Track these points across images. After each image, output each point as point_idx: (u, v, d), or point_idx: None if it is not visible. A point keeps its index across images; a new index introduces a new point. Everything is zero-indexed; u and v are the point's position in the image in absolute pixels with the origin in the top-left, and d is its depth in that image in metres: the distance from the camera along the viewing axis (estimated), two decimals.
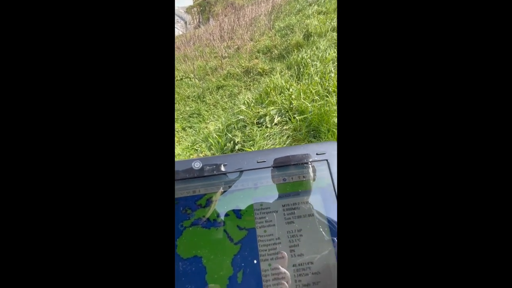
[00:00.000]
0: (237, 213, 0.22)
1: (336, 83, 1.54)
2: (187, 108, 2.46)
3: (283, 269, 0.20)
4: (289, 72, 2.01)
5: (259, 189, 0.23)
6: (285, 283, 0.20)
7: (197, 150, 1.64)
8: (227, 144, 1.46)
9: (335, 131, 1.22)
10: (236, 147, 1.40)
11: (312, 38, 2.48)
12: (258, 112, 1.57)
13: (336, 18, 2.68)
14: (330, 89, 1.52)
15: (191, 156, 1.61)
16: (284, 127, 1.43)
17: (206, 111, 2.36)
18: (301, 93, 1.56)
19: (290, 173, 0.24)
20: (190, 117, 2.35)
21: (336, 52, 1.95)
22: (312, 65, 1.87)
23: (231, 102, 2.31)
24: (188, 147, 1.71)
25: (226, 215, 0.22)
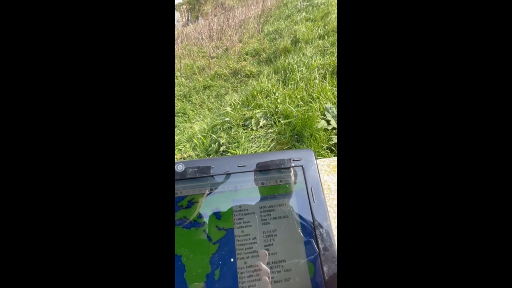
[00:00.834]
0: (217, 214, 0.24)
1: (320, 89, 1.60)
2: None
3: (264, 266, 0.22)
4: (276, 77, 2.05)
5: (238, 192, 0.24)
6: (266, 278, 0.21)
7: (181, 150, 1.63)
8: (212, 145, 1.46)
9: (317, 136, 1.27)
10: (221, 149, 1.41)
11: (299, 44, 2.54)
12: (244, 115, 1.58)
13: (322, 26, 2.77)
14: (314, 95, 1.57)
15: (175, 156, 1.59)
16: (269, 130, 1.46)
17: (191, 110, 2.34)
18: (287, 98, 1.59)
19: (269, 177, 0.25)
20: (175, 116, 2.31)
21: (322, 59, 2.02)
22: (298, 71, 1.92)
23: (217, 102, 2.31)
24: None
25: (206, 216, 0.23)
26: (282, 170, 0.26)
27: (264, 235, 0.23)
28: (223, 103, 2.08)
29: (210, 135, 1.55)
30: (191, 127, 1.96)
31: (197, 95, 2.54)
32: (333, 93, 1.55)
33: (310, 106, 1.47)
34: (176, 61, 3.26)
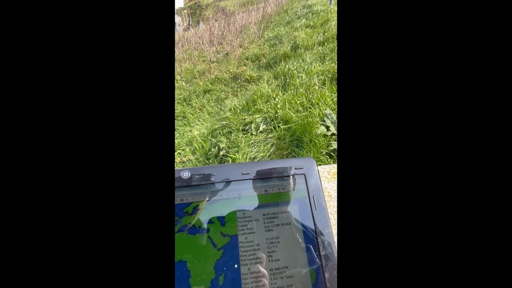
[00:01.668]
0: (221, 221, 0.24)
1: (319, 95, 1.61)
2: None
3: (262, 269, 0.22)
4: (276, 82, 2.07)
5: (242, 199, 0.25)
6: (265, 280, 0.22)
7: (180, 154, 1.63)
8: (212, 149, 1.47)
9: (317, 141, 1.28)
10: (221, 153, 1.41)
11: (299, 50, 2.57)
12: (244, 119, 1.60)
13: (322, 32, 2.81)
14: (314, 101, 1.59)
15: (175, 160, 1.59)
16: (269, 135, 1.47)
17: (191, 114, 2.35)
18: (286, 103, 1.61)
19: (271, 184, 0.26)
20: (175, 119, 2.32)
21: (321, 65, 2.04)
22: (298, 77, 1.94)
23: (217, 106, 2.32)
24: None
25: (211, 222, 0.24)
26: (285, 178, 0.26)
27: (267, 242, 0.24)
28: (223, 107, 2.09)
29: (210, 139, 1.55)
30: (190, 131, 1.96)
31: (197, 99, 2.55)
32: (332, 99, 1.57)
33: (309, 112, 1.48)
34: (176, 65, 3.28)
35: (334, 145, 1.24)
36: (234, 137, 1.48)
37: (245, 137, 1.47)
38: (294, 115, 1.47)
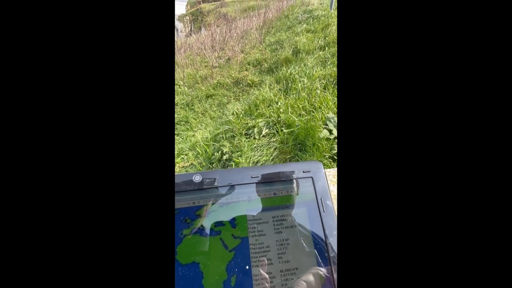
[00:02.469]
0: (232, 223, 0.25)
1: (321, 99, 1.63)
2: (175, 115, 2.45)
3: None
4: (278, 86, 2.09)
5: (252, 202, 0.26)
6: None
7: (183, 158, 1.64)
8: (215, 154, 1.48)
9: (320, 145, 1.28)
10: (224, 157, 1.42)
11: (300, 55, 2.60)
12: (247, 123, 1.61)
13: (323, 37, 2.84)
14: (316, 105, 1.60)
15: (177, 165, 1.60)
16: (272, 139, 1.48)
17: (194, 119, 2.37)
18: (289, 107, 1.62)
19: (280, 188, 0.27)
20: (177, 124, 2.34)
21: (323, 69, 2.06)
22: (300, 81, 1.95)
23: (219, 111, 2.34)
24: (175, 155, 1.70)
25: (222, 224, 0.25)
26: (293, 181, 0.27)
27: (277, 244, 0.24)
28: (225, 112, 2.11)
29: (213, 144, 1.56)
30: (193, 135, 1.98)
31: (199, 103, 2.58)
32: (334, 103, 1.58)
33: (312, 115, 1.49)
34: (179, 70, 3.32)
35: None
36: (237, 142, 1.49)
37: (248, 141, 1.48)
38: (296, 119, 1.48)
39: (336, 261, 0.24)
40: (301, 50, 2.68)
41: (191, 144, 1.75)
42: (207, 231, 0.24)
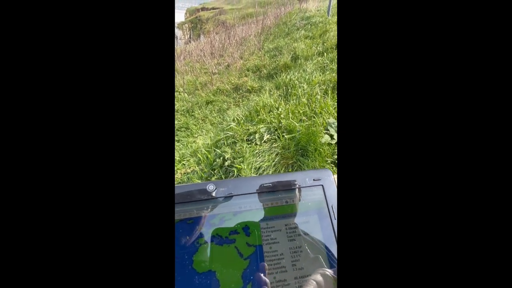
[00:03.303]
0: (246, 231, 0.25)
1: (322, 105, 1.64)
2: (175, 122, 2.46)
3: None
4: (278, 92, 2.10)
5: (265, 210, 0.26)
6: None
7: (185, 165, 1.64)
8: (217, 160, 1.48)
9: (321, 150, 1.29)
10: (226, 163, 1.42)
11: (299, 61, 2.63)
12: (248, 129, 1.62)
13: (321, 43, 2.88)
14: (317, 111, 1.61)
15: (178, 171, 1.60)
16: (273, 145, 1.48)
17: (194, 125, 2.38)
18: (290, 113, 1.63)
19: (291, 196, 0.27)
20: (178, 130, 2.35)
21: (322, 75, 2.08)
22: (300, 87, 1.97)
23: (220, 117, 2.35)
24: (176, 162, 1.70)
25: (237, 232, 0.25)
26: (304, 188, 0.28)
27: (290, 251, 0.25)
28: (225, 118, 2.12)
29: (214, 150, 1.57)
30: (194, 142, 1.98)
31: (199, 110, 2.59)
32: (335, 108, 1.59)
33: (313, 121, 1.50)
34: (179, 77, 3.35)
35: None
36: (239, 148, 1.50)
37: (250, 147, 1.49)
38: (297, 125, 1.49)
39: None
40: (299, 56, 2.71)
41: (192, 150, 1.75)
42: (222, 239, 0.25)
